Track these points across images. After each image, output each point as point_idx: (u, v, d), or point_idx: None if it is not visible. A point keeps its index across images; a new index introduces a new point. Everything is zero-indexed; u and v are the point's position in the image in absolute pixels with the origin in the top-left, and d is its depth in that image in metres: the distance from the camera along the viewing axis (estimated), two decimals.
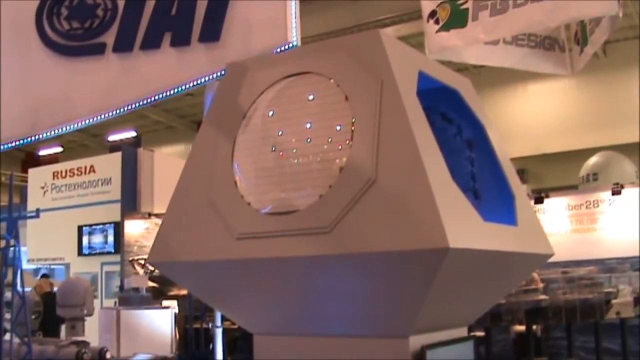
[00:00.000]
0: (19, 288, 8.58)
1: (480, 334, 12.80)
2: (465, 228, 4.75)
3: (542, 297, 14.03)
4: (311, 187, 5.06)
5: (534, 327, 14.35)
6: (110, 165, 21.90)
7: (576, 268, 16.09)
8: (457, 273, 4.82)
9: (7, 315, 9.61)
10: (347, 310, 5.27)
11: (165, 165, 21.55)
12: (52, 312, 13.09)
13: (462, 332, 5.94)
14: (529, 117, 31.66)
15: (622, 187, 18.71)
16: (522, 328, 14.43)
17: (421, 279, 4.72)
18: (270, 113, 5.53)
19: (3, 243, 9.30)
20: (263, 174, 5.40)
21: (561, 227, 18.20)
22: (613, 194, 18.70)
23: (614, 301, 14.65)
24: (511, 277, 6.15)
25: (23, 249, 14.31)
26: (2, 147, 7.76)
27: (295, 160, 5.26)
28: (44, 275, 18.39)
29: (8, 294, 9.64)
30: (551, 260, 6.17)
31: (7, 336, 8.52)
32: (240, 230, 5.30)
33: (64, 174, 23.21)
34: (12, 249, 8.65)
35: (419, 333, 5.17)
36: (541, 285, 14.32)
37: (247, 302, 5.82)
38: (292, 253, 5.00)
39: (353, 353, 5.34)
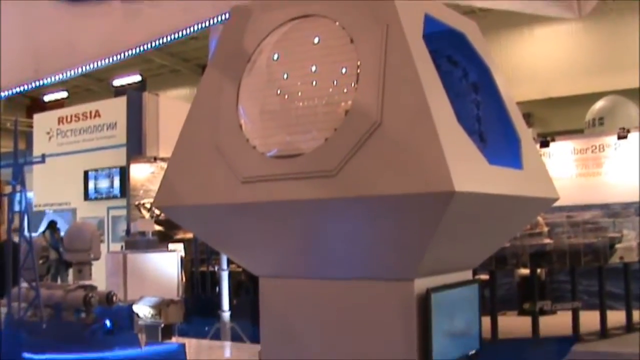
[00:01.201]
0: (26, 233, 8.60)
1: (485, 277, 12.84)
2: (470, 171, 4.74)
3: (547, 240, 14.06)
4: (316, 130, 5.05)
5: (538, 270, 14.40)
6: (115, 109, 21.85)
7: (581, 212, 16.10)
8: (462, 217, 4.82)
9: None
10: (352, 254, 5.29)
11: (171, 109, 21.50)
12: None
13: (467, 275, 5.97)
14: (535, 60, 31.46)
15: (628, 131, 18.64)
16: (526, 271, 14.48)
17: (426, 223, 4.72)
18: (275, 56, 5.50)
19: (9, 189, 9.31)
20: (268, 117, 5.38)
21: (566, 172, 18.17)
22: (619, 138, 18.63)
23: (617, 245, 14.68)
24: (516, 221, 6.15)
25: (29, 194, 14.35)
26: (5, 93, 7.73)
27: (301, 104, 5.24)
28: (51, 222, 18.42)
29: (15, 239, 9.69)
30: (556, 204, 6.17)
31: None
32: (245, 174, 5.30)
33: (69, 119, 23.17)
34: (18, 194, 8.67)
35: (424, 276, 5.19)
36: (546, 229, 14.35)
37: (252, 245, 5.84)
38: (297, 196, 5.00)
39: (358, 296, 5.37)
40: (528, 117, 28.56)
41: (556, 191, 6.05)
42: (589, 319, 13.60)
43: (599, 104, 24.66)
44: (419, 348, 5.14)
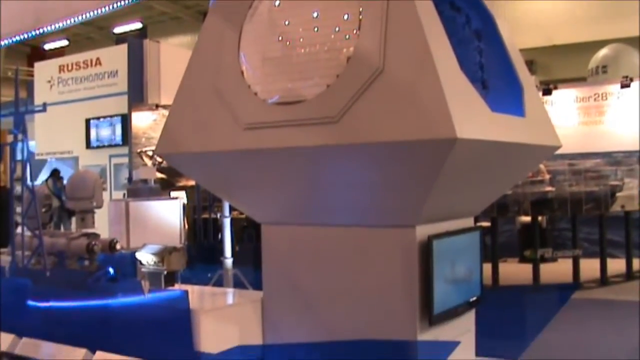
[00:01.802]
0: (28, 182, 8.61)
1: (486, 224, 12.87)
2: (473, 118, 4.74)
3: (548, 188, 14.07)
4: (318, 76, 5.04)
5: (540, 218, 14.43)
6: (116, 57, 21.72)
7: (583, 160, 16.06)
8: (465, 163, 4.83)
9: (18, 209, 9.68)
10: (354, 200, 5.30)
11: (172, 56, 21.38)
12: None
13: (469, 222, 5.99)
14: (538, 7, 31.19)
15: (631, 80, 18.54)
16: (527, 219, 14.51)
17: (428, 169, 4.73)
18: (277, 2, 5.46)
19: (11, 138, 9.31)
20: (270, 64, 5.36)
21: (569, 120, 18.09)
22: (622, 87, 18.52)
23: (619, 194, 14.70)
24: (518, 169, 6.16)
25: (31, 143, 14.35)
26: (6, 41, 7.69)
27: (302, 50, 5.22)
28: (54, 170, 18.39)
29: (18, 188, 9.70)
30: (558, 152, 6.18)
31: (19, 229, 8.60)
32: (247, 121, 5.30)
33: (70, 68, 23.06)
34: (20, 143, 8.66)
35: (426, 223, 5.21)
36: (547, 176, 14.34)
37: (254, 192, 5.85)
38: (299, 143, 5.00)
39: (360, 242, 5.40)
40: (531, 65, 28.41)
41: (558, 139, 6.05)
42: (590, 267, 13.66)
43: (603, 52, 24.49)
44: (421, 294, 5.18)
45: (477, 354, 6.16)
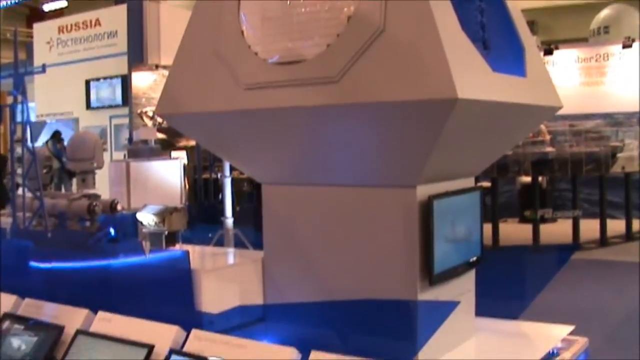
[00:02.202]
0: (28, 143, 8.61)
1: (487, 184, 12.91)
2: (473, 78, 4.72)
3: (549, 149, 14.09)
4: (319, 36, 5.02)
5: (540, 178, 14.47)
6: (116, 17, 21.66)
7: (583, 121, 16.10)
8: (465, 124, 4.82)
9: (19, 171, 9.70)
10: (354, 160, 5.30)
11: (172, 16, 21.29)
12: None
13: (469, 182, 5.99)
14: None
15: (633, 40, 18.52)
16: (528, 179, 14.56)
17: (429, 130, 4.73)
18: None
19: (11, 99, 9.30)
20: (270, 24, 5.34)
21: (570, 80, 18.09)
22: (624, 47, 18.51)
23: (619, 155, 14.73)
24: (519, 129, 6.15)
25: (31, 104, 14.32)
26: (4, 3, 7.64)
27: (303, 9, 5.19)
28: (55, 132, 18.40)
29: (18, 150, 9.70)
30: (559, 112, 6.16)
31: (20, 191, 8.61)
32: (247, 81, 5.29)
33: (69, 28, 23.01)
34: (19, 105, 8.65)
35: (426, 183, 5.21)
36: (548, 137, 14.36)
37: (255, 152, 5.85)
38: (299, 103, 5.00)
39: (360, 202, 5.41)
40: (532, 25, 28.30)
41: (559, 99, 6.03)
42: (589, 228, 13.72)
43: (604, 13, 24.41)
44: (421, 254, 5.20)
45: (477, 314, 6.19)
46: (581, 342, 6.24)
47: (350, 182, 5.43)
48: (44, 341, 5.46)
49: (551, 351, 5.82)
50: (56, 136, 17.59)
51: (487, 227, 9.89)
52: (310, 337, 5.03)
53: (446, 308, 5.56)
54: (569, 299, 7.98)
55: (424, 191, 5.17)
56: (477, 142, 5.47)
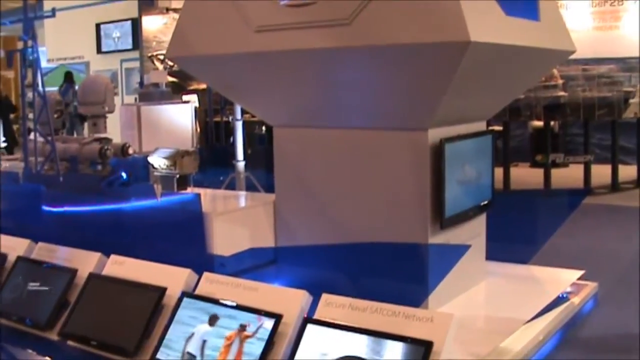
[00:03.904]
0: (39, 88, 8.60)
1: (499, 128, 12.85)
2: (487, 22, 4.69)
3: (561, 93, 13.98)
4: None
5: (552, 122, 14.38)
6: None
7: (596, 66, 15.94)
8: (478, 67, 4.79)
9: (30, 116, 9.70)
10: (366, 103, 5.29)
11: None
12: None
13: (481, 126, 5.97)
14: None
15: None
16: (540, 123, 14.47)
17: (441, 73, 4.70)
18: None
19: (21, 44, 9.27)
20: None
21: (583, 24, 17.90)
22: None
23: (631, 100, 14.60)
24: (531, 73, 6.12)
25: (42, 49, 14.27)
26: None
27: None
28: (67, 73, 18.35)
29: (29, 95, 9.70)
30: (572, 57, 6.12)
31: (32, 135, 8.62)
32: (258, 23, 5.25)
33: None
34: (30, 49, 8.63)
35: (438, 126, 5.20)
36: (561, 81, 14.24)
37: (266, 95, 5.84)
38: (311, 45, 4.97)
39: (372, 145, 5.40)
40: None
41: (573, 43, 5.99)
42: (601, 173, 13.66)
43: None
44: (432, 198, 5.20)
45: (488, 258, 6.21)
46: (591, 286, 6.26)
47: (362, 124, 5.42)
48: (57, 284, 5.50)
49: (561, 295, 5.85)
50: (68, 78, 17.54)
51: (498, 171, 9.87)
52: (321, 280, 5.05)
53: (457, 252, 5.58)
54: (579, 244, 7.97)
55: (435, 134, 5.16)
56: (489, 86, 5.44)
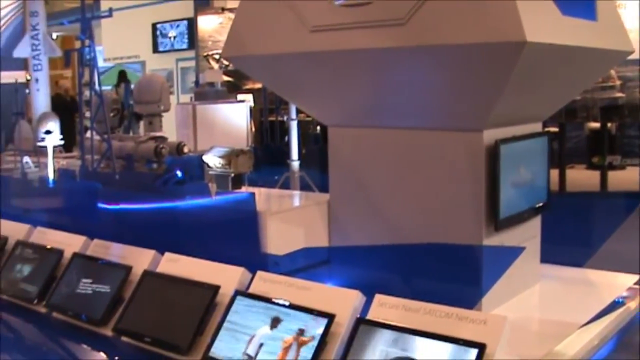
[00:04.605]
0: (96, 87, 8.71)
1: (554, 129, 12.73)
2: (543, 22, 4.65)
3: (619, 94, 13.81)
4: None
5: (609, 124, 14.22)
6: None
7: None
8: (534, 68, 4.76)
9: (87, 114, 9.83)
10: (421, 103, 5.27)
11: None
12: None
13: (537, 127, 5.92)
14: None
15: None
16: (596, 125, 14.31)
17: (497, 73, 4.67)
18: None
19: (79, 44, 9.39)
20: None
21: None
22: None
23: None
24: (588, 74, 6.05)
25: (99, 48, 14.43)
26: None
27: None
28: (121, 72, 18.56)
29: (86, 93, 9.82)
30: (630, 57, 6.04)
31: (88, 134, 8.73)
32: (314, 23, 5.26)
33: None
34: (87, 49, 8.74)
35: (494, 127, 5.17)
36: (618, 82, 14.08)
37: (321, 94, 5.85)
38: (366, 45, 4.97)
39: (427, 146, 5.39)
40: None
41: (631, 44, 5.91)
42: None
43: None
44: (487, 199, 5.17)
45: (542, 260, 6.16)
46: None
47: (417, 125, 5.40)
48: (112, 281, 5.55)
49: (616, 300, 5.77)
50: (122, 76, 17.73)
51: (554, 173, 9.78)
52: (374, 280, 5.04)
53: (511, 254, 5.54)
54: (636, 248, 7.86)
55: (490, 135, 5.13)
56: (545, 87, 5.39)
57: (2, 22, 13.48)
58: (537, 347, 4.72)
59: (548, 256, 6.16)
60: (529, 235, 5.84)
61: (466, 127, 5.13)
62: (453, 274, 5.24)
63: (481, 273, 5.22)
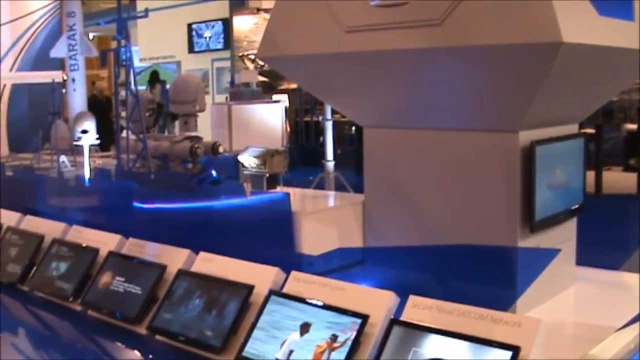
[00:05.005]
0: (132, 87, 8.75)
1: (591, 131, 12.62)
2: (579, 22, 4.61)
3: None
4: None
5: None
6: None
7: None
8: (570, 68, 4.72)
9: (123, 114, 9.88)
10: (456, 104, 5.25)
11: None
12: None
13: (573, 128, 5.88)
14: None
15: None
16: (634, 126, 14.18)
17: (533, 74, 4.65)
18: None
19: (115, 44, 9.45)
20: None
21: None
22: None
23: None
24: (625, 74, 6.00)
25: (135, 48, 14.51)
26: None
27: None
28: (153, 72, 18.64)
29: (122, 93, 9.88)
30: None
31: (124, 133, 8.78)
32: (349, 23, 5.26)
33: None
34: (123, 49, 8.78)
35: (529, 128, 5.14)
36: None
37: (356, 95, 5.84)
38: (401, 45, 4.96)
39: (462, 146, 5.37)
40: None
41: None
42: None
43: None
44: (522, 201, 5.14)
45: (577, 262, 6.11)
46: None
47: (452, 125, 5.39)
48: (146, 280, 5.59)
49: None
50: (155, 76, 17.80)
51: (590, 175, 9.69)
52: (408, 281, 5.04)
53: (546, 256, 5.52)
54: None
55: (526, 136, 5.10)
56: (581, 88, 5.36)
57: (40, 22, 13.59)
58: (571, 351, 4.69)
59: (583, 258, 6.11)
60: (564, 237, 5.80)
61: (502, 128, 5.11)
62: (487, 276, 5.23)
63: (516, 275, 5.20)
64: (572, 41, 4.34)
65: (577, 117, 5.95)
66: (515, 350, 3.67)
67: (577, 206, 5.82)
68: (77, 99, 12.10)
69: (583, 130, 6.29)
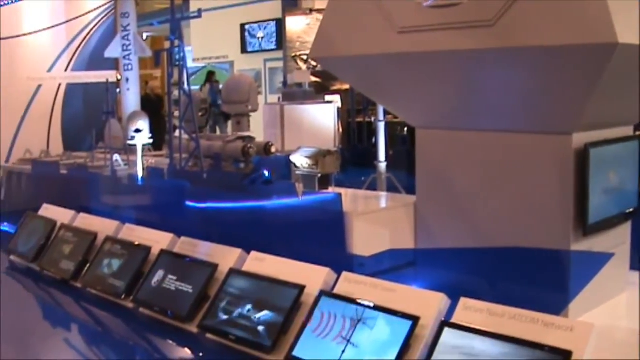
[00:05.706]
0: (185, 87, 8.81)
1: None
2: (635, 22, 4.55)
3: None
4: None
5: None
6: None
7: None
8: (626, 69, 4.67)
9: (176, 113, 9.95)
10: (510, 106, 5.21)
11: None
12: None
13: (627, 131, 5.80)
14: None
15: None
16: None
17: (588, 75, 4.60)
18: None
19: (168, 44, 9.52)
20: None
21: None
22: None
23: None
24: None
25: (188, 49, 14.59)
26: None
27: None
28: (210, 72, 18.75)
29: (175, 93, 9.94)
30: None
31: (177, 133, 8.84)
32: (402, 24, 5.25)
33: None
34: (176, 49, 8.84)
35: (583, 130, 5.09)
36: None
37: (409, 96, 5.83)
38: (454, 46, 4.94)
39: (515, 148, 5.33)
40: None
41: None
42: None
43: None
44: (575, 204, 5.09)
45: (631, 267, 6.04)
46: None
47: (505, 127, 5.35)
48: (198, 278, 5.62)
49: None
50: (211, 78, 17.89)
51: None
52: (460, 284, 5.02)
53: (600, 260, 5.45)
54: None
55: (580, 139, 5.05)
56: (636, 89, 5.29)
57: (95, 23, 13.73)
58: (625, 357, 4.64)
59: (637, 263, 6.04)
60: (618, 241, 5.73)
61: (555, 130, 5.06)
62: (540, 279, 5.18)
63: (569, 279, 5.15)
64: (627, 42, 4.29)
65: (632, 118, 5.87)
66: (567, 355, 3.63)
67: (631, 210, 5.74)
68: (131, 99, 12.19)
69: (638, 133, 6.22)
